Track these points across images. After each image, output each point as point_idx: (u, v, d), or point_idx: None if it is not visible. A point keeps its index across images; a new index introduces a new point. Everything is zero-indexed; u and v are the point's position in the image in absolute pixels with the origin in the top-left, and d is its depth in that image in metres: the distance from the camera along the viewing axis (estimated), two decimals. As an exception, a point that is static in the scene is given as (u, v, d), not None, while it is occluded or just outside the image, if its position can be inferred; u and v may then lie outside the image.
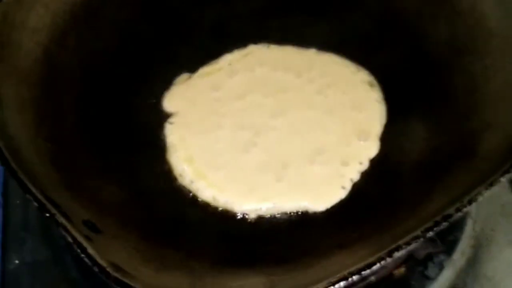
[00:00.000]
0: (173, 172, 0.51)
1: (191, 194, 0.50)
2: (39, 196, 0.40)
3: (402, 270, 0.50)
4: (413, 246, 0.38)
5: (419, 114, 0.52)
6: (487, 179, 0.40)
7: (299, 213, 0.49)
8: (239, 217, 0.49)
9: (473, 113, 0.49)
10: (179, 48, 0.58)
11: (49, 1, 0.53)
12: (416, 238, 0.38)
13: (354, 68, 0.56)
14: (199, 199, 0.50)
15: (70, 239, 0.39)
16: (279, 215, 0.49)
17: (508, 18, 0.49)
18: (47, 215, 0.40)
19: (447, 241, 0.51)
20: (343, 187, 0.49)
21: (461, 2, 0.53)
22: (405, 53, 0.55)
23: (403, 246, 0.38)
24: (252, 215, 0.49)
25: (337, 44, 0.57)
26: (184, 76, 0.56)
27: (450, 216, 0.39)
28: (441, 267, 0.50)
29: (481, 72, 0.50)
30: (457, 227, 0.52)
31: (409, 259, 0.50)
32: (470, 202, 0.39)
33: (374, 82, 0.55)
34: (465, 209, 0.39)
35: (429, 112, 0.52)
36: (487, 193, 0.40)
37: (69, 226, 0.40)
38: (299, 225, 0.48)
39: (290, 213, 0.49)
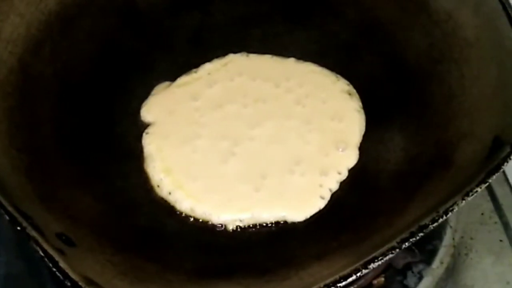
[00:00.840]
0: (151, 183, 0.50)
1: (168, 205, 0.49)
2: (10, 209, 0.40)
3: (381, 280, 0.50)
4: (389, 257, 0.38)
5: (397, 123, 0.52)
6: (463, 190, 0.40)
7: (278, 223, 0.49)
8: (217, 228, 0.48)
9: (450, 123, 0.49)
10: (158, 58, 0.57)
11: (24, 10, 0.52)
12: (392, 249, 0.38)
13: (333, 77, 0.55)
14: (177, 210, 0.49)
15: (41, 253, 0.38)
16: (258, 226, 0.48)
17: (484, 28, 0.50)
18: (18, 228, 0.39)
19: (426, 250, 0.51)
20: (322, 197, 0.49)
21: (438, 12, 0.53)
22: (384, 62, 0.56)
23: (379, 258, 0.38)
24: (230, 226, 0.48)
25: (316, 53, 0.57)
26: (164, 84, 0.56)
27: (426, 226, 0.38)
28: (420, 277, 0.50)
29: (458, 81, 0.50)
30: (436, 236, 0.52)
31: (388, 268, 0.50)
32: (446, 213, 0.39)
33: (353, 91, 0.55)
34: (440, 220, 0.39)
35: (407, 121, 0.52)
36: (463, 204, 0.40)
37: (40, 240, 0.39)
38: (278, 236, 0.48)
39: (269, 223, 0.48)
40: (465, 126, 0.48)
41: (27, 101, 0.50)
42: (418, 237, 0.38)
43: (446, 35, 0.53)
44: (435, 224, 0.39)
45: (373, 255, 0.38)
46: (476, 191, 0.40)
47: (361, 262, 0.38)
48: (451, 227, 0.52)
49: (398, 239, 0.38)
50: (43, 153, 0.49)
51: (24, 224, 0.40)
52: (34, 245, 0.39)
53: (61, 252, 0.40)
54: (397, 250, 0.38)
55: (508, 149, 0.42)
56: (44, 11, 0.54)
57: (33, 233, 0.39)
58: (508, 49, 0.47)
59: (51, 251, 0.39)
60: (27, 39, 0.52)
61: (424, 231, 0.39)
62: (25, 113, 0.50)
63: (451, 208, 0.39)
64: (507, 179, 0.57)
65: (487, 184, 0.40)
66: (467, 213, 0.54)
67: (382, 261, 0.38)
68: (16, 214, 0.40)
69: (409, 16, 0.55)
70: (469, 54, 0.51)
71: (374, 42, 0.57)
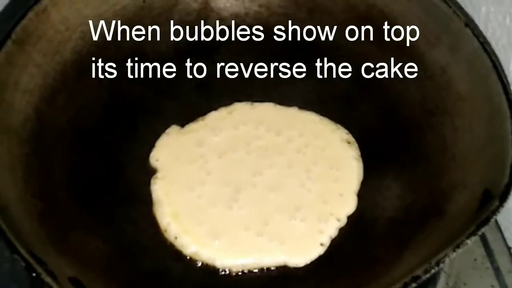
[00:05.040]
0: (158, 227, 0.52)
1: (175, 249, 0.51)
2: (26, 256, 0.42)
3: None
4: (384, 306, 0.40)
5: (393, 172, 0.55)
6: (454, 241, 0.42)
7: (279, 268, 0.51)
8: (221, 272, 0.50)
9: (443, 173, 0.51)
10: (166, 105, 0.60)
11: (41, 61, 0.55)
12: (387, 298, 0.40)
13: (333, 126, 0.58)
14: (182, 254, 0.51)
15: (56, 299, 0.40)
16: (259, 270, 0.50)
17: (476, 83, 0.52)
18: (34, 274, 0.41)
19: (421, 295, 0.53)
20: (322, 244, 0.51)
21: (432, 66, 0.56)
22: (380, 113, 0.58)
23: (375, 307, 0.40)
24: (233, 270, 0.50)
25: (317, 103, 0.60)
26: (172, 131, 0.58)
27: (418, 277, 0.41)
28: (415, 321, 0.52)
29: (451, 133, 0.53)
30: (431, 281, 0.53)
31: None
32: (437, 264, 0.41)
33: (352, 140, 0.57)
34: (433, 270, 0.41)
35: (403, 170, 0.54)
36: (454, 255, 0.42)
37: (54, 285, 0.41)
38: (279, 280, 0.50)
39: (270, 268, 0.50)
40: (457, 177, 0.50)
41: (41, 148, 0.52)
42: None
43: (440, 88, 0.55)
44: (427, 275, 0.41)
45: (369, 304, 0.40)
46: (467, 243, 0.42)
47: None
48: (445, 272, 0.54)
49: (392, 289, 0.41)
50: (55, 198, 0.51)
51: (39, 270, 0.41)
52: (49, 291, 0.41)
53: (73, 296, 0.42)
54: (392, 299, 0.40)
55: (497, 203, 0.44)
56: (60, 61, 0.56)
57: (48, 279, 0.41)
58: (497, 104, 0.49)
59: (64, 296, 0.41)
60: (43, 88, 0.54)
61: (417, 281, 0.41)
62: (39, 160, 0.52)
63: (442, 260, 0.41)
64: (498, 226, 0.59)
65: (477, 235, 0.43)
66: (460, 259, 0.55)
67: (378, 310, 0.40)
68: (31, 261, 0.42)
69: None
70: (462, 107, 0.53)
71: (371, 93, 0.59)
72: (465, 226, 0.43)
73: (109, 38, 0.60)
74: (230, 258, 0.50)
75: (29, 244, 0.44)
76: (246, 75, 0.62)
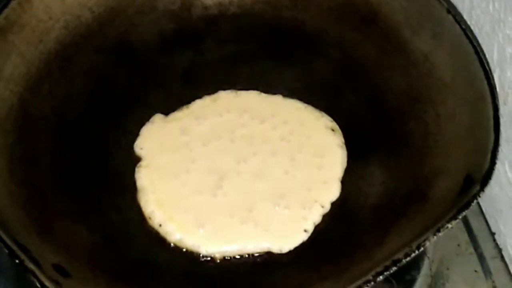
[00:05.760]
0: (143, 215, 0.53)
1: (160, 237, 0.52)
2: (9, 243, 0.42)
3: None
4: (365, 289, 0.40)
5: (377, 159, 0.55)
6: (435, 225, 0.43)
7: (263, 254, 0.51)
8: (205, 259, 0.51)
9: (426, 160, 0.52)
10: (151, 94, 0.60)
11: (25, 50, 0.55)
12: (367, 282, 0.41)
13: (317, 114, 0.58)
14: (167, 242, 0.51)
15: (38, 284, 0.41)
16: (244, 257, 0.51)
17: (458, 70, 0.53)
18: (17, 261, 0.41)
19: (404, 280, 0.53)
20: (306, 230, 0.52)
21: (416, 53, 0.56)
22: (365, 100, 0.58)
23: (355, 290, 0.40)
24: (218, 257, 0.51)
25: (301, 91, 0.60)
26: (156, 119, 0.58)
27: (399, 261, 0.41)
28: (399, 306, 0.53)
29: (434, 120, 0.53)
30: (414, 266, 0.54)
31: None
32: (418, 248, 0.42)
33: (336, 127, 0.58)
34: (413, 254, 0.41)
35: (387, 157, 0.55)
36: (435, 239, 0.42)
37: (38, 272, 0.41)
38: (263, 267, 0.50)
39: (254, 254, 0.51)
40: (440, 163, 0.50)
41: (26, 137, 0.53)
42: (392, 271, 0.41)
43: (423, 75, 0.55)
44: (408, 258, 0.41)
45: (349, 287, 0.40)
46: (447, 227, 0.43)
47: (338, 295, 0.40)
48: (428, 257, 0.55)
49: (373, 273, 0.41)
50: (40, 187, 0.51)
51: (22, 256, 0.42)
52: (32, 277, 0.41)
53: (57, 283, 0.42)
54: (372, 283, 0.41)
55: (478, 187, 0.44)
56: (43, 51, 0.56)
57: (31, 265, 0.41)
58: (479, 91, 0.50)
59: (47, 283, 0.41)
60: (27, 77, 0.54)
61: (397, 265, 0.41)
62: (24, 149, 0.52)
63: (423, 243, 0.42)
64: (482, 211, 0.60)
65: (458, 220, 0.43)
66: (444, 244, 0.56)
67: (358, 293, 0.40)
68: (14, 247, 0.42)
69: (388, 57, 0.58)
70: (444, 94, 0.53)
71: (356, 81, 0.59)
72: (447, 211, 0.44)
73: (92, 27, 0.60)
74: (215, 245, 0.51)
75: (13, 231, 0.44)
76: (231, 64, 0.62)
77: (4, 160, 0.50)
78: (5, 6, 0.54)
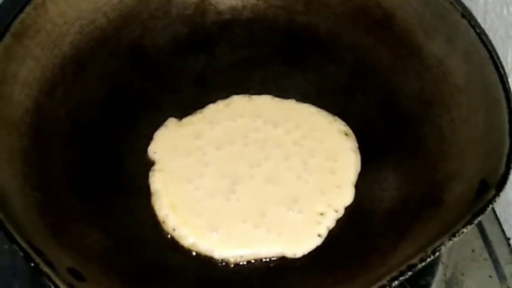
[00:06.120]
0: (157, 219, 0.53)
1: (173, 241, 0.52)
2: (25, 246, 0.42)
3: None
4: (380, 294, 0.40)
5: (391, 163, 0.55)
6: (450, 230, 0.42)
7: (277, 259, 0.51)
8: (219, 263, 0.51)
9: (440, 164, 0.51)
10: (165, 98, 0.60)
11: (40, 54, 0.55)
12: (383, 286, 0.40)
13: (330, 118, 0.58)
14: (180, 246, 0.51)
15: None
16: (257, 262, 0.51)
17: (472, 74, 0.52)
18: (32, 264, 0.42)
19: (419, 285, 0.53)
20: (319, 235, 0.51)
21: (430, 57, 0.56)
22: (378, 104, 0.58)
23: (370, 295, 0.40)
24: (231, 262, 0.51)
25: (314, 95, 0.60)
26: (170, 124, 0.58)
27: (414, 266, 0.41)
28: (413, 312, 0.52)
29: (448, 124, 0.53)
30: (429, 271, 0.54)
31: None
32: (433, 253, 0.41)
33: (350, 131, 0.57)
34: (428, 259, 0.41)
35: (401, 161, 0.54)
36: (450, 243, 0.42)
37: (53, 275, 0.41)
38: (276, 271, 0.50)
39: (268, 259, 0.51)
40: (454, 167, 0.50)
41: (41, 141, 0.53)
42: (407, 276, 0.41)
43: (437, 80, 0.55)
44: (423, 264, 0.41)
45: (365, 292, 0.40)
46: (463, 231, 0.42)
47: (353, 300, 0.40)
48: (442, 263, 0.54)
49: (388, 278, 0.41)
50: (55, 191, 0.52)
51: (37, 260, 0.42)
52: (47, 280, 0.41)
53: (71, 286, 0.42)
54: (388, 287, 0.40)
55: (493, 192, 0.44)
56: (58, 55, 0.57)
57: (46, 268, 0.42)
58: (494, 94, 0.49)
59: (62, 286, 0.41)
60: (42, 81, 0.55)
61: (413, 270, 0.41)
62: (38, 153, 0.52)
63: (438, 248, 0.41)
64: (496, 217, 0.59)
65: (473, 225, 0.43)
66: (458, 250, 0.56)
67: (373, 298, 0.40)
68: (29, 251, 0.42)
69: (402, 61, 0.58)
70: (459, 98, 0.53)
71: (369, 85, 0.59)
72: (462, 215, 0.44)
73: (107, 32, 0.60)
74: (228, 249, 0.51)
75: (28, 234, 0.44)
76: (244, 68, 0.62)
77: (19, 164, 0.50)
78: (21, 11, 0.54)
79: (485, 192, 0.45)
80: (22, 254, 0.42)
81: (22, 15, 0.54)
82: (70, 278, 0.43)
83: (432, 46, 0.56)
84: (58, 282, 0.41)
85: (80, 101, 0.57)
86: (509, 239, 0.59)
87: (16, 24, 0.53)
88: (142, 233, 0.52)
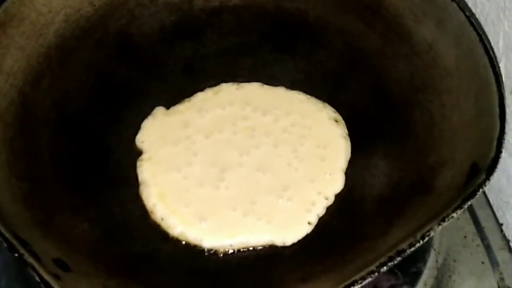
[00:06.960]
0: (145, 209, 0.52)
1: (162, 230, 0.51)
2: (8, 236, 0.42)
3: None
4: (369, 280, 0.40)
5: (381, 150, 0.54)
6: (440, 215, 0.42)
7: (267, 247, 0.50)
8: (208, 252, 0.50)
9: (431, 150, 0.51)
10: (153, 87, 0.59)
11: (24, 44, 0.54)
12: (372, 272, 0.40)
13: (320, 105, 0.58)
14: (169, 235, 0.51)
15: (37, 279, 0.40)
16: (247, 250, 0.50)
17: (463, 58, 0.52)
18: (16, 254, 0.41)
19: (410, 272, 0.52)
20: (309, 223, 0.51)
21: (419, 42, 0.55)
22: (368, 91, 0.58)
23: (359, 281, 0.39)
24: (220, 251, 0.50)
25: (304, 82, 0.59)
26: (157, 112, 0.58)
27: (403, 251, 0.40)
28: (404, 299, 0.52)
29: (439, 109, 0.52)
30: (420, 258, 0.53)
31: (373, 291, 0.52)
32: (422, 238, 0.41)
33: (340, 118, 0.57)
34: (418, 244, 0.41)
35: (391, 147, 0.54)
36: (439, 228, 0.41)
37: (37, 266, 0.41)
38: (266, 260, 0.50)
39: (257, 248, 0.50)
40: (445, 153, 0.50)
41: (26, 131, 0.52)
42: (396, 261, 0.40)
43: (428, 65, 0.55)
44: (412, 249, 0.41)
45: (354, 278, 0.40)
46: (452, 216, 0.42)
47: (342, 286, 0.40)
48: (434, 249, 0.54)
49: (377, 263, 0.40)
50: (41, 181, 0.51)
51: (22, 251, 0.41)
52: (31, 271, 0.41)
53: (57, 277, 0.42)
54: (376, 273, 0.40)
55: (483, 176, 0.43)
56: (43, 44, 0.56)
57: (30, 259, 0.41)
58: (484, 78, 0.49)
59: (47, 277, 0.40)
60: (27, 71, 0.54)
61: (402, 255, 0.40)
62: (24, 143, 0.51)
63: (427, 233, 0.41)
64: (488, 202, 0.59)
65: (463, 210, 0.42)
66: (450, 236, 0.55)
67: (362, 284, 0.40)
68: (14, 241, 0.42)
69: (392, 46, 0.57)
70: (449, 83, 0.53)
71: (359, 71, 0.59)
72: (452, 201, 0.43)
73: (93, 20, 0.59)
74: (217, 238, 0.50)
75: (12, 224, 0.44)
76: (232, 56, 0.61)
77: (5, 154, 0.49)
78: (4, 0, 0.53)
79: (475, 177, 0.44)
80: (6, 245, 0.41)
81: (6, 4, 0.53)
82: (55, 269, 0.43)
83: (422, 30, 0.55)
84: (42, 272, 0.40)
85: (66, 90, 0.57)
86: (501, 225, 0.58)
87: (0, 13, 0.53)
88: (130, 223, 0.52)
